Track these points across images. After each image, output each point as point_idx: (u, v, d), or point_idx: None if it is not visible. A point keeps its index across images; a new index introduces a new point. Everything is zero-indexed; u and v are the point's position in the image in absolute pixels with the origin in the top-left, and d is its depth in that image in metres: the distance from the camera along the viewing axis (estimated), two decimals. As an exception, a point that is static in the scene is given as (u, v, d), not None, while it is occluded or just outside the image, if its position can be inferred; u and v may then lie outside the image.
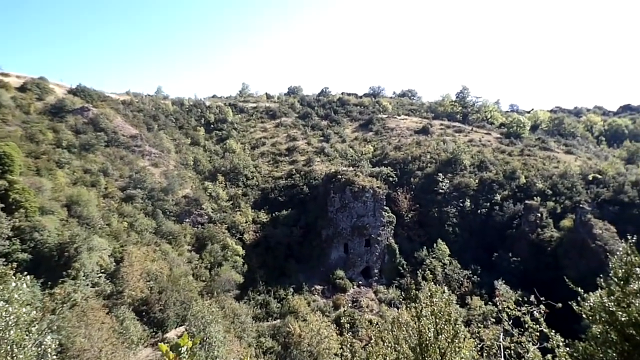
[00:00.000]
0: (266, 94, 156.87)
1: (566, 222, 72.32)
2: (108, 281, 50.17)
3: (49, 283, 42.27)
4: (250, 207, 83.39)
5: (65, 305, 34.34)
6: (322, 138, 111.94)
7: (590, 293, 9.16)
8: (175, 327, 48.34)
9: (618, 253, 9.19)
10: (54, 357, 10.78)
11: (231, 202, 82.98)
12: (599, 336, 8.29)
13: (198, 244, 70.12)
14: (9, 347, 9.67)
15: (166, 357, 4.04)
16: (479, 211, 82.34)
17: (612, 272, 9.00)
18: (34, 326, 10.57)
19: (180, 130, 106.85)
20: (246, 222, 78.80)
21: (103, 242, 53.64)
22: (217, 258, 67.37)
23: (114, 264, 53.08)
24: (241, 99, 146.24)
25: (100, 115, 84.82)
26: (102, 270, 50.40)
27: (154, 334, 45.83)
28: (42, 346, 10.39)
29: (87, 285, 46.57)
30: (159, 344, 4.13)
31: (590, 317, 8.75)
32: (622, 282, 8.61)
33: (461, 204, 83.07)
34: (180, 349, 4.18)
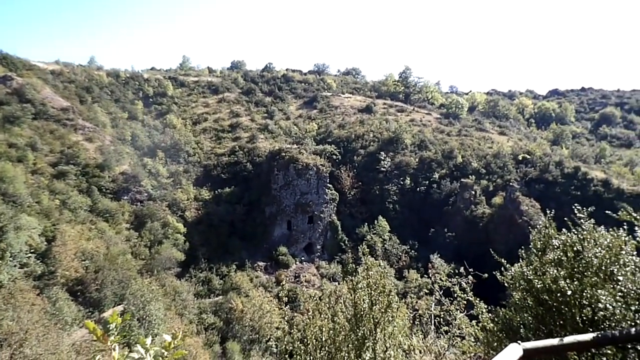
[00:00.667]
0: (208, 68, 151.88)
1: (497, 199, 76.67)
2: (39, 261, 47.44)
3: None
4: (192, 184, 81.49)
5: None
6: (266, 115, 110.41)
7: (515, 264, 9.87)
8: (113, 307, 46.81)
9: (538, 227, 9.91)
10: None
11: (172, 179, 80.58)
12: (518, 302, 8.94)
13: (137, 221, 67.66)
14: None
15: (93, 334, 3.91)
16: (418, 189, 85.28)
17: (532, 244, 9.70)
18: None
19: (117, 104, 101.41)
20: (188, 199, 77.05)
21: (32, 221, 50.48)
22: (157, 236, 65.48)
23: (45, 243, 50.17)
24: (182, 72, 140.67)
25: (26, 85, 78.63)
26: (32, 250, 47.54)
27: (90, 314, 44.17)
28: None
29: (15, 266, 43.87)
30: (86, 321, 3.99)
31: (511, 285, 9.40)
32: (540, 253, 9.30)
33: (402, 182, 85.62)
34: (108, 326, 4.04)
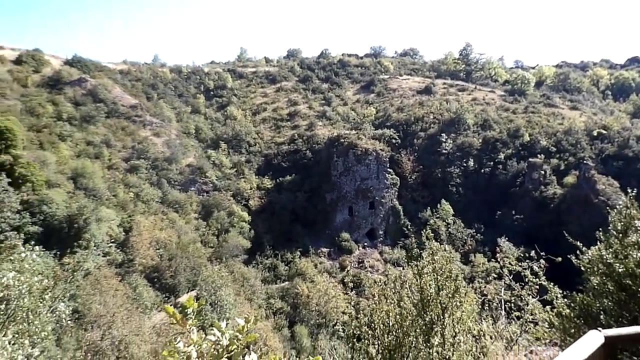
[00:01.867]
0: (265, 58, 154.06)
1: (569, 179, 72.40)
2: (119, 250, 51.09)
3: (58, 254, 43.00)
4: (254, 174, 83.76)
5: (76, 273, 35.15)
6: (323, 101, 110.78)
7: (591, 247, 9.34)
8: (187, 292, 49.56)
9: (618, 207, 9.29)
10: (69, 322, 11.17)
11: (235, 169, 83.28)
12: (596, 287, 8.48)
13: (204, 211, 70.85)
14: (24, 314, 10.05)
15: (173, 318, 4.20)
16: (482, 170, 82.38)
17: (611, 225, 9.12)
18: (47, 294, 10.93)
19: (180, 99, 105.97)
20: (250, 188, 79.34)
21: (111, 213, 54.30)
22: (223, 225, 68.24)
23: (123, 233, 53.92)
24: (240, 64, 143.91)
25: (99, 85, 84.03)
26: (112, 240, 51.16)
27: (166, 299, 47.09)
28: (57, 312, 10.76)
29: (99, 254, 47.38)
30: (165, 306, 4.28)
31: (589, 270, 8.93)
32: (620, 235, 8.74)
33: (465, 164, 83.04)
34: (186, 310, 4.34)
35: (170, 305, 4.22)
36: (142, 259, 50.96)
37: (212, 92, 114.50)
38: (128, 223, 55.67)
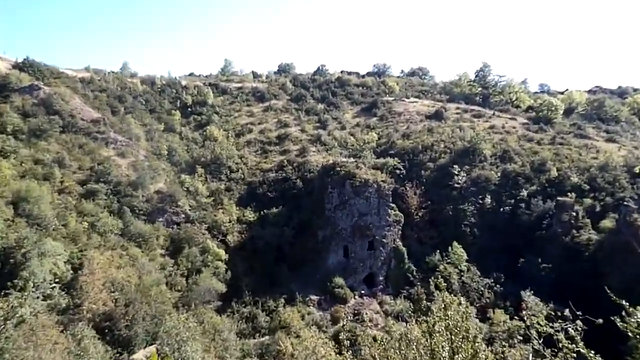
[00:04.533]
0: (253, 72, 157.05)
1: (607, 223, 72.50)
2: (63, 293, 49.64)
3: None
4: (234, 204, 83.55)
5: (8, 322, 33.85)
6: (318, 124, 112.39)
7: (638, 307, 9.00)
8: (145, 347, 48.04)
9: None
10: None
11: (212, 198, 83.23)
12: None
13: (173, 247, 70.07)
14: None
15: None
16: (501, 209, 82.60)
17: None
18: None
19: (152, 114, 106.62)
20: (230, 221, 78.99)
21: (58, 246, 53.13)
22: (195, 264, 67.39)
23: (71, 272, 52.64)
24: (224, 78, 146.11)
25: (54, 95, 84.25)
26: (57, 280, 49.84)
27: (118, 355, 45.42)
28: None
29: (38, 297, 45.93)
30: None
31: (638, 335, 8.55)
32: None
33: (480, 201, 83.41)
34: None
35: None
36: (91, 304, 49.47)
37: (189, 109, 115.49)
38: (78, 259, 54.51)
